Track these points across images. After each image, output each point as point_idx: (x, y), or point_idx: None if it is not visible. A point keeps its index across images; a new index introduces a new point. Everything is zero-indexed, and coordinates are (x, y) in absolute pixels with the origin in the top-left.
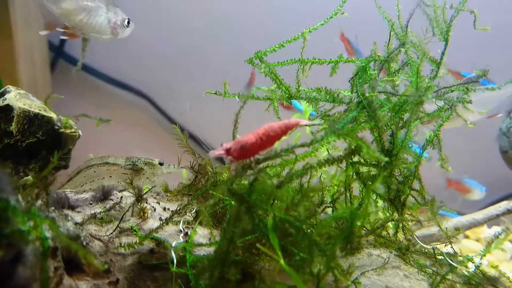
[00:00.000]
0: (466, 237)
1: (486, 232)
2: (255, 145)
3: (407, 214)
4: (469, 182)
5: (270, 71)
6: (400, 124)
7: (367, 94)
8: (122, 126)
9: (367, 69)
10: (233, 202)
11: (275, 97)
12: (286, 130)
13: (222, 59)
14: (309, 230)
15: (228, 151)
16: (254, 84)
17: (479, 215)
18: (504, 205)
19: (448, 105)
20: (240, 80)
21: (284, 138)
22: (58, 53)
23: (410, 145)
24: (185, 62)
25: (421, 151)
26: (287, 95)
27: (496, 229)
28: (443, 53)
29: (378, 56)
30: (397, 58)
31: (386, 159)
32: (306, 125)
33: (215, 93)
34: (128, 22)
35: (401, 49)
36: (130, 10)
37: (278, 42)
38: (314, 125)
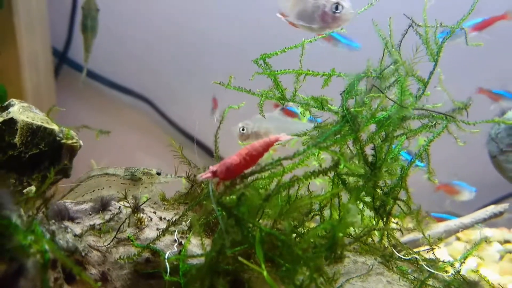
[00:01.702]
0: (458, 239)
1: (478, 234)
2: (239, 166)
3: (393, 222)
4: (458, 184)
5: (271, 72)
6: (385, 138)
7: (351, 109)
8: (124, 130)
9: (356, 85)
10: (224, 213)
11: (267, 95)
12: (267, 147)
13: (225, 62)
14: (297, 240)
15: (214, 173)
16: (218, 107)
17: (467, 219)
18: (491, 209)
19: (432, 123)
20: (242, 83)
21: (286, 142)
22: (61, 59)
23: (403, 154)
24: (187, 66)
25: (408, 163)
26: (280, 96)
27: (487, 231)
28: (431, 73)
29: (371, 72)
30: (389, 75)
31: (362, 171)
32: (286, 141)
33: (219, 83)
34: (336, 8)
35: (392, 66)
36: (131, 14)
37: (279, 44)
38: (305, 135)
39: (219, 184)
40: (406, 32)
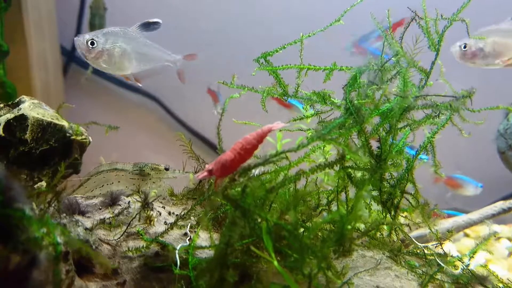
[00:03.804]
0: (466, 235)
1: (487, 231)
2: (234, 161)
3: (401, 216)
4: (460, 178)
5: (273, 70)
6: (389, 130)
7: (355, 101)
8: (132, 128)
9: (358, 78)
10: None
11: (269, 91)
12: (261, 139)
13: (231, 60)
14: (305, 233)
15: (210, 172)
16: (218, 100)
17: (475, 215)
18: (499, 205)
19: (435, 113)
20: (247, 80)
21: (286, 141)
22: (70, 58)
23: (408, 149)
24: (193, 64)
25: (414, 156)
26: (282, 91)
27: (496, 227)
28: (433, 63)
29: (373, 65)
30: (391, 67)
31: (366, 160)
32: (281, 128)
33: (223, 83)
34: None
35: (393, 59)
36: (138, 12)
37: (284, 40)
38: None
39: (216, 181)
40: (409, 25)
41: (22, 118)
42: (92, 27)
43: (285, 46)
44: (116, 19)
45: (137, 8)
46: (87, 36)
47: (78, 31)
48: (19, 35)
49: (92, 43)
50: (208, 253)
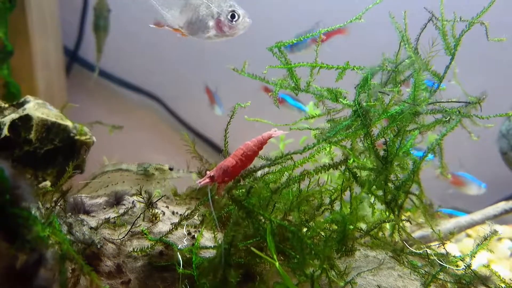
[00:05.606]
0: (468, 236)
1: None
2: (236, 167)
3: (405, 216)
4: (464, 176)
5: (287, 62)
6: (397, 133)
7: (363, 103)
8: (134, 128)
9: (369, 79)
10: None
11: (281, 83)
12: (261, 145)
13: (234, 61)
14: (308, 233)
15: (212, 178)
16: (215, 101)
17: (477, 215)
18: (501, 205)
19: (445, 118)
20: (252, 80)
21: (289, 141)
22: (72, 58)
23: (413, 151)
24: (196, 64)
25: (421, 158)
26: (294, 85)
27: (498, 228)
28: (447, 67)
29: (386, 66)
30: (405, 68)
31: (371, 165)
32: (280, 135)
33: (233, 69)
34: (233, 16)
35: (407, 61)
36: (142, 14)
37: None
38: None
39: (219, 187)
40: (425, 26)
41: (27, 118)
42: (97, 28)
43: (301, 39)
44: (120, 20)
45: (141, 9)
46: (226, 8)
47: (81, 32)
48: (22, 35)
49: (233, 16)
50: (212, 253)
